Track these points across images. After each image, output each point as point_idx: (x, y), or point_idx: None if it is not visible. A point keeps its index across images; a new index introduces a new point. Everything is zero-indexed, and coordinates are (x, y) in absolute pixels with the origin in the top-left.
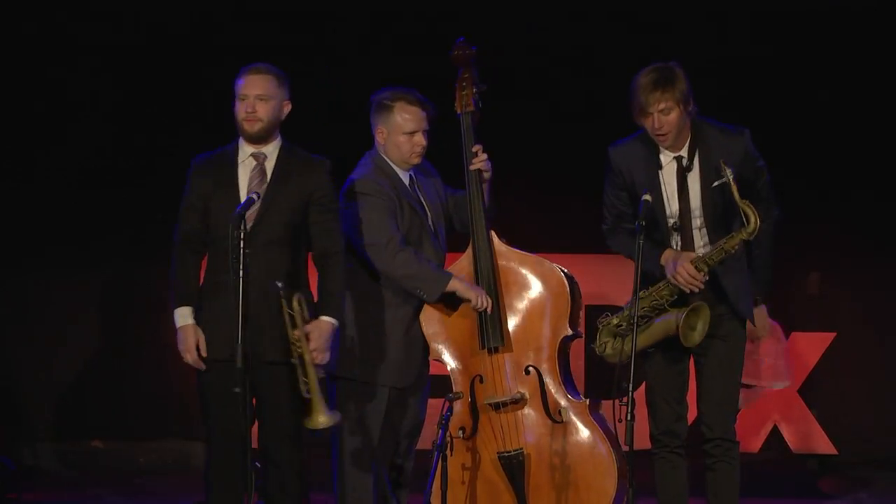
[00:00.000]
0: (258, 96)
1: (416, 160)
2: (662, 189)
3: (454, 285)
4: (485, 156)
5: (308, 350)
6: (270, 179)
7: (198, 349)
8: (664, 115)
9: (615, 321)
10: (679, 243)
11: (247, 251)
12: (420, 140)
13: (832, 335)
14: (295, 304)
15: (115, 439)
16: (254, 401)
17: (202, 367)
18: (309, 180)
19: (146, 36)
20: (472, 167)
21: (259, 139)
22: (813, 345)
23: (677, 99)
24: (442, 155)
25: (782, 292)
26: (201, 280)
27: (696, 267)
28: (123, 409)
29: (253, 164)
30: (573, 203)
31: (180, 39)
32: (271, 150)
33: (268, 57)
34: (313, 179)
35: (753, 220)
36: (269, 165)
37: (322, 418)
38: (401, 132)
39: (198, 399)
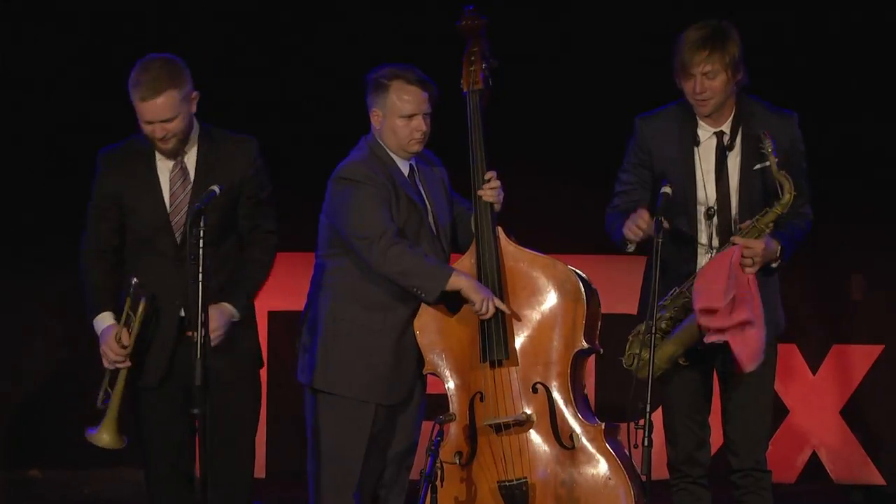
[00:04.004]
0: (164, 120)
1: (416, 147)
2: (697, 169)
3: (456, 282)
4: (497, 184)
5: (128, 362)
6: (194, 179)
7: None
8: (708, 78)
9: (644, 329)
10: (714, 234)
11: (177, 264)
12: (419, 125)
13: (880, 348)
14: (141, 308)
15: (58, 468)
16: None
17: (126, 363)
18: (235, 168)
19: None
20: (482, 195)
21: (180, 150)
22: (858, 359)
23: (726, 63)
24: (446, 138)
25: (822, 299)
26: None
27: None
28: (67, 436)
29: (170, 164)
30: (578, 199)
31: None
32: (189, 143)
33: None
34: (240, 166)
35: (788, 190)
36: (191, 163)
37: (108, 437)
38: (397, 115)
39: (135, 428)
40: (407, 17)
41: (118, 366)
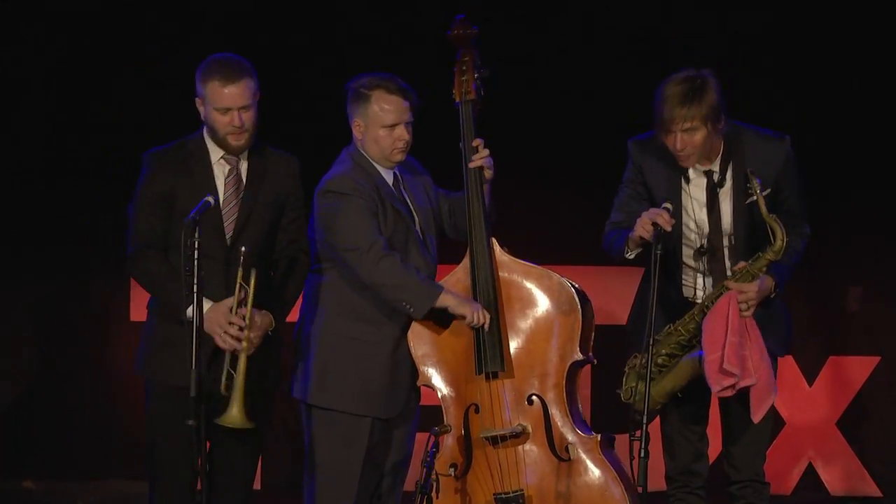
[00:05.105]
0: (242, 108)
1: (399, 157)
2: (688, 205)
3: (445, 300)
4: (486, 151)
5: (248, 337)
6: (246, 186)
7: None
8: (688, 135)
9: (641, 362)
10: (707, 270)
11: (225, 267)
12: (402, 134)
13: (876, 359)
14: (253, 280)
15: (51, 479)
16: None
17: (241, 341)
18: (282, 183)
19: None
20: (471, 164)
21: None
22: (854, 370)
23: (704, 116)
24: (437, 149)
25: (818, 310)
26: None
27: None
28: (60, 446)
29: (227, 169)
30: (573, 210)
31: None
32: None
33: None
34: (287, 182)
35: (780, 237)
36: (244, 170)
37: (238, 415)
38: (380, 125)
39: (146, 431)
40: (401, 21)
41: (236, 347)
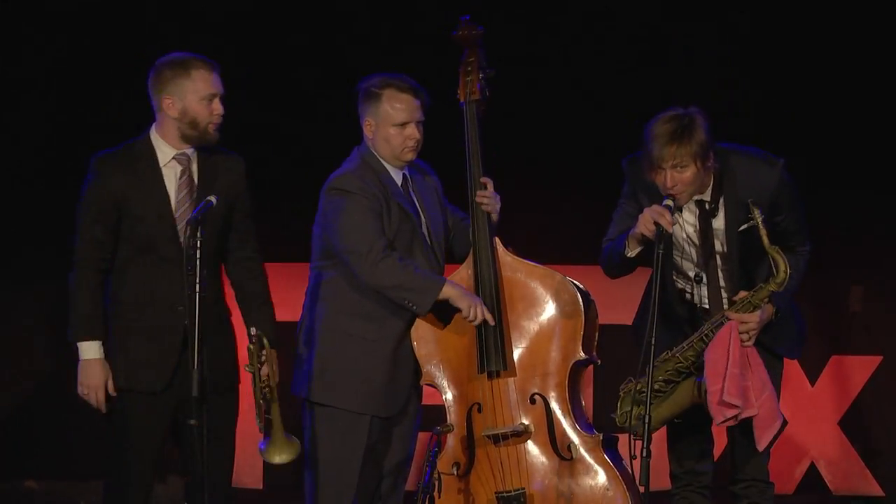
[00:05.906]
0: (222, 96)
1: (410, 156)
2: (681, 235)
3: (447, 291)
4: (491, 192)
5: (274, 384)
6: (199, 187)
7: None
8: (678, 172)
9: (638, 387)
10: (704, 299)
11: (180, 270)
12: (413, 133)
13: (878, 359)
14: (266, 343)
15: (52, 479)
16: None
17: (102, 409)
18: (231, 182)
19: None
20: (478, 202)
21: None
22: (856, 370)
23: (693, 154)
24: (442, 149)
25: (820, 310)
26: (110, 298)
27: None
28: (62, 446)
29: (178, 170)
30: (577, 210)
31: (146, 8)
32: (191, 150)
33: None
34: (235, 181)
35: (784, 269)
36: (194, 169)
37: (286, 452)
38: (390, 124)
39: (112, 435)
40: (403, 25)
41: (261, 401)
